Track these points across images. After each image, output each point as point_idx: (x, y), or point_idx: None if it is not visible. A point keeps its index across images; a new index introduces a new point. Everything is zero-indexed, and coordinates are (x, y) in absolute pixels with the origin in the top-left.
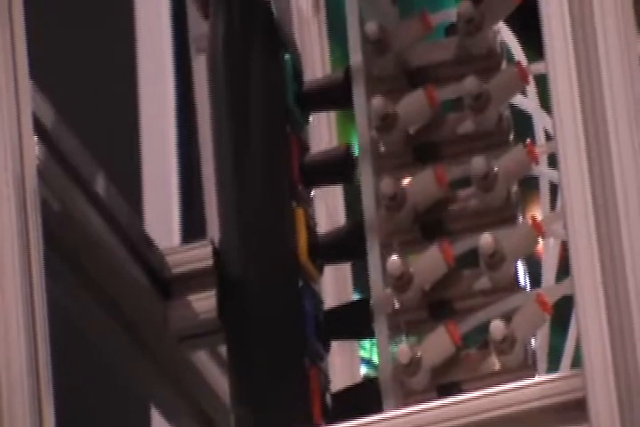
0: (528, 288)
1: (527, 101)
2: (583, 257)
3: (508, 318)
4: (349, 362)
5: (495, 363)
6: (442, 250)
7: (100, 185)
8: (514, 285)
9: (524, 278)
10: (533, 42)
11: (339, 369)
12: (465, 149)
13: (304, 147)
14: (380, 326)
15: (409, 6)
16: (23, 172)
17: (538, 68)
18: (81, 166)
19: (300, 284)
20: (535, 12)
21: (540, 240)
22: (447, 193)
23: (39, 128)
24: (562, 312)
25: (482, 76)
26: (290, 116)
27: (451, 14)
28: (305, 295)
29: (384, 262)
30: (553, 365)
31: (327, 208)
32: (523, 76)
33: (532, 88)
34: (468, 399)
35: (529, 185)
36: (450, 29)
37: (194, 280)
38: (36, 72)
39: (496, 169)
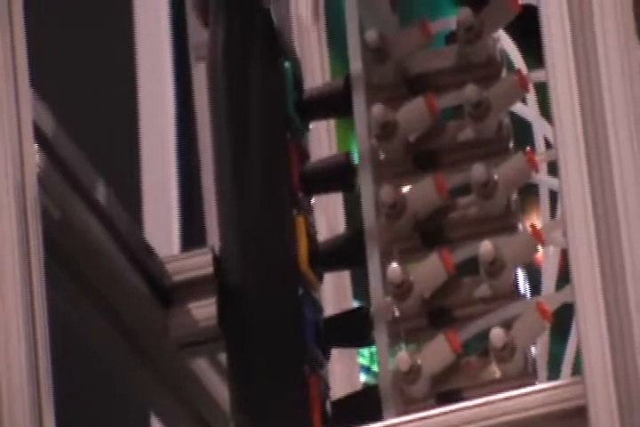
0: (528, 296)
1: (527, 109)
2: (583, 265)
3: (508, 325)
4: (349, 370)
5: (495, 371)
6: (442, 258)
7: (101, 193)
8: (514, 292)
9: (524, 286)
10: (533, 50)
11: (338, 377)
12: (465, 157)
13: (304, 155)
14: (380, 333)
15: (409, 14)
16: (24, 179)
17: (538, 75)
18: (81, 174)
19: (300, 292)
20: (535, 20)
21: (540, 248)
22: (447, 201)
23: (40, 136)
24: (561, 320)
25: (482, 83)
26: (290, 124)
27: (450, 22)
28: (305, 303)
29: (384, 270)
30: (553, 373)
31: (327, 216)
32: (523, 84)
33: (531, 96)
34: (468, 407)
35: (529, 193)
36: (450, 37)
37: (194, 288)
38: (37, 80)
39: (496, 177)
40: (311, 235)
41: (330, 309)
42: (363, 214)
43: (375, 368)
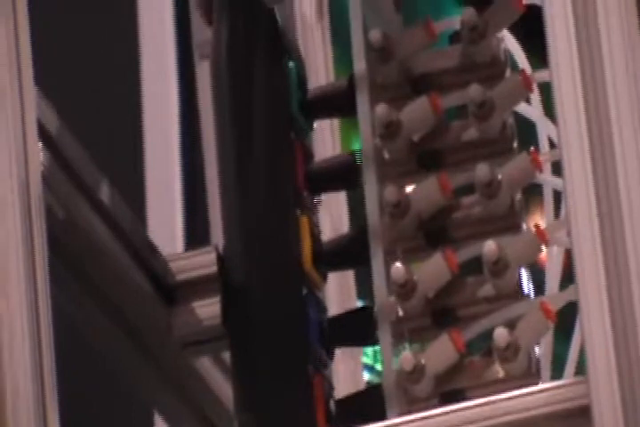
0: (532, 296)
1: (531, 109)
2: (587, 265)
3: (511, 325)
4: (353, 369)
5: (499, 370)
6: (445, 257)
7: (104, 192)
8: (517, 292)
9: (528, 286)
10: (537, 49)
11: (342, 376)
12: (469, 157)
13: (308, 154)
14: (384, 333)
15: (413, 14)
16: (28, 178)
17: (542, 75)
18: (85, 173)
19: (304, 291)
20: (539, 20)
21: (544, 248)
22: (451, 200)
23: (44, 135)
24: (565, 320)
25: (486, 83)
26: (294, 124)
27: (454, 22)
28: (309, 303)
29: (388, 270)
30: (556, 372)
31: (331, 216)
32: (527, 84)
33: (535, 96)
34: (472, 407)
35: (533, 193)
36: (454, 37)
37: (198, 287)
38: (41, 78)
39: (500, 177)
40: (315, 234)
41: (334, 308)
42: (367, 214)
43: (379, 367)
